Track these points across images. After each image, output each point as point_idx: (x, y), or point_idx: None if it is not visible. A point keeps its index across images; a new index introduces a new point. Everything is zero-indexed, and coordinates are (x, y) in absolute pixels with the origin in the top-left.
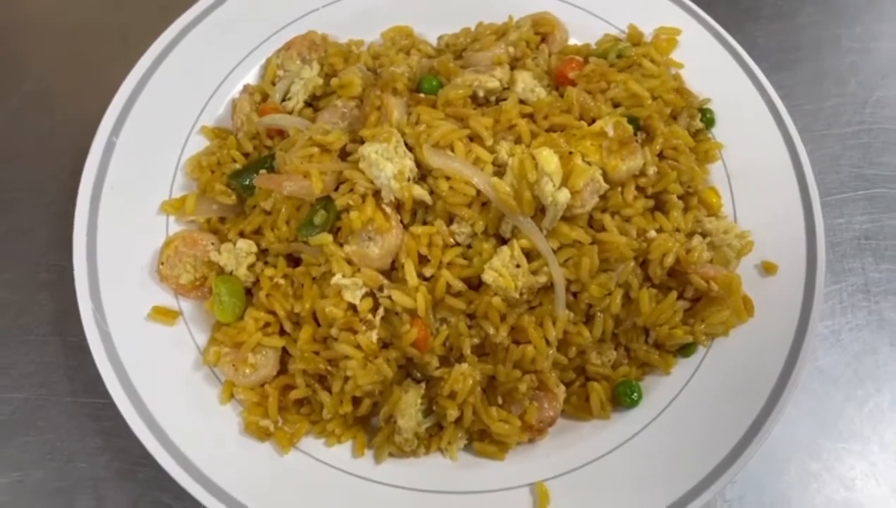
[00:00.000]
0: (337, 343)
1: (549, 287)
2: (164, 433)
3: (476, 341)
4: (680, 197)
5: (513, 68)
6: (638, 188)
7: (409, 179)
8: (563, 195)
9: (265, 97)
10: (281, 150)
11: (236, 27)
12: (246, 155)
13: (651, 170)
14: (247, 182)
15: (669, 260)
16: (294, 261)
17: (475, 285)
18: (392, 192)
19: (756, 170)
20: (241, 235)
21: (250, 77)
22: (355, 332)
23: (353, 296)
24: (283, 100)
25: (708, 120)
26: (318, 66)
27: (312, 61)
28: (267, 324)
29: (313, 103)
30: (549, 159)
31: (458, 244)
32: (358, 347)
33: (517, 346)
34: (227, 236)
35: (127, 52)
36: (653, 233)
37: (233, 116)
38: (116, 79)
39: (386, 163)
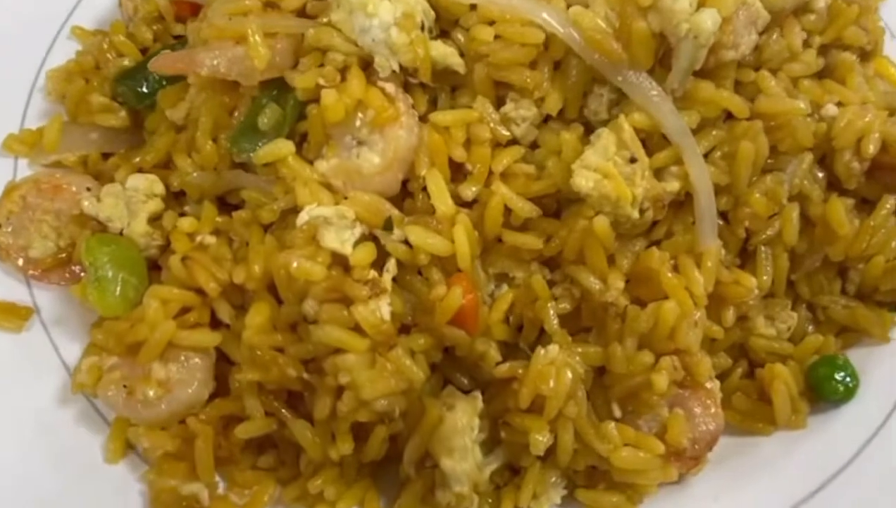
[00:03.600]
0: (317, 327)
1: (682, 201)
2: None
3: (567, 306)
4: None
5: None
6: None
7: (423, 30)
8: (711, 18)
9: None
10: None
11: None
12: (144, 51)
13: (821, 2)
14: (144, 88)
15: (871, 146)
16: (230, 208)
17: (553, 210)
18: (394, 56)
19: None
20: (140, 172)
21: None
22: (350, 303)
23: (340, 241)
24: None
25: None
26: None
27: None
28: (185, 310)
29: None
30: None
31: (516, 142)
32: (356, 329)
33: (642, 309)
34: (114, 178)
35: None
36: (832, 108)
37: (121, 1)
38: None
39: (379, 4)
